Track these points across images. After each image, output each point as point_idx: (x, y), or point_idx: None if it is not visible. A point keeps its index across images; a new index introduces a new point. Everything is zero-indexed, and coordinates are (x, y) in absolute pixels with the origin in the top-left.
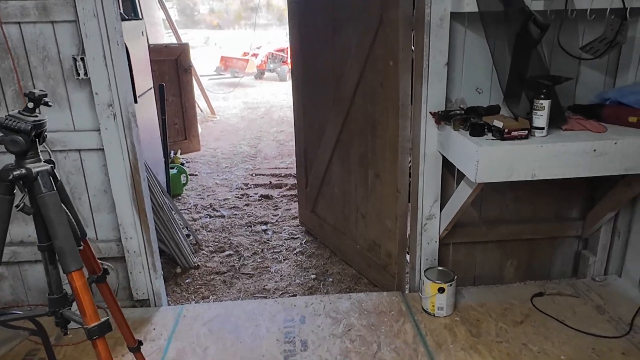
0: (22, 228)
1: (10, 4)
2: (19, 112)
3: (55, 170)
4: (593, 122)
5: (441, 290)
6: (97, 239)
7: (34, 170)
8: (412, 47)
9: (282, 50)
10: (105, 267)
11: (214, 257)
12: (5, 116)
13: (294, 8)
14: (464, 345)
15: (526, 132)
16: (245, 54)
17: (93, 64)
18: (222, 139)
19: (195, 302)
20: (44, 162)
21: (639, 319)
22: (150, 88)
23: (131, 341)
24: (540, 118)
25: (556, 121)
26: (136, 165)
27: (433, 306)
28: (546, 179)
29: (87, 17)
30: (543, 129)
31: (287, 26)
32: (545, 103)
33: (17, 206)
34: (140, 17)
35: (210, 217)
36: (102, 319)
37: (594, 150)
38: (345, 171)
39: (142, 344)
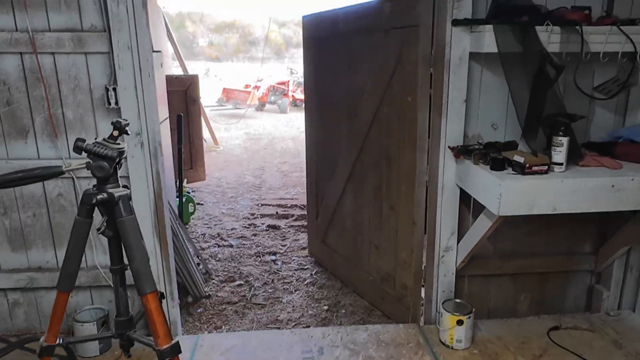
0: (41, 254)
1: (47, 35)
2: (104, 140)
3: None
4: (608, 159)
5: (460, 322)
6: None
7: (115, 195)
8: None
9: (283, 84)
10: (161, 291)
11: (224, 286)
12: (93, 143)
13: (310, 44)
14: None
15: (546, 167)
16: (247, 86)
17: (124, 94)
18: (226, 169)
19: (209, 332)
20: (122, 187)
21: None
22: (167, 118)
23: None
24: (560, 154)
25: (573, 157)
26: (160, 194)
27: (451, 339)
28: (565, 213)
29: (122, 50)
30: (562, 164)
31: (284, 60)
32: (564, 140)
33: (98, 229)
34: (159, 49)
35: (219, 246)
36: (173, 341)
37: (612, 186)
38: (358, 203)
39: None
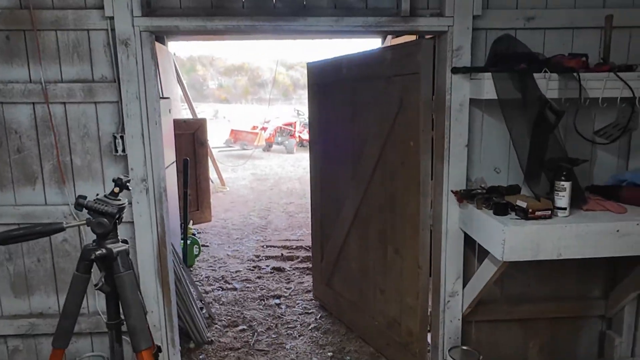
0: (44, 300)
1: (59, 86)
2: (105, 196)
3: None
4: (613, 203)
5: None
6: None
7: (114, 250)
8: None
9: (289, 125)
10: (158, 345)
11: (227, 331)
12: (94, 200)
13: (315, 90)
14: None
15: (549, 212)
16: (254, 127)
17: (131, 142)
18: (232, 209)
19: None
20: (121, 242)
21: None
22: (174, 162)
23: None
24: (563, 199)
25: (577, 202)
26: (163, 238)
27: None
28: (571, 258)
29: (130, 99)
30: (565, 209)
31: (292, 101)
32: (567, 184)
33: (95, 285)
34: (168, 96)
35: (223, 289)
36: None
37: (617, 231)
38: (363, 246)
39: None
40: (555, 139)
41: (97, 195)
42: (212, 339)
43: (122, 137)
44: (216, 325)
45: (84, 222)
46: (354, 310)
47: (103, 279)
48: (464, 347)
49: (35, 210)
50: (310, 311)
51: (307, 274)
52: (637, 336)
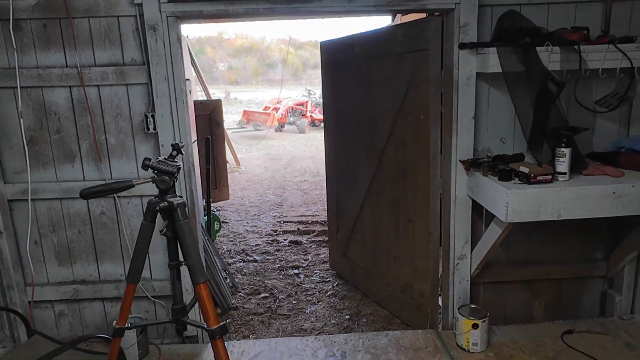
0: (85, 268)
1: (93, 69)
2: (164, 159)
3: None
4: (611, 168)
5: (475, 326)
6: (151, 277)
7: (174, 203)
8: (441, 103)
9: (301, 104)
10: (225, 323)
11: (250, 299)
12: (157, 161)
13: (328, 67)
14: None
15: (550, 177)
16: (266, 108)
17: (161, 120)
18: (248, 188)
19: (237, 341)
20: (178, 197)
21: None
22: (195, 140)
23: None
24: (563, 164)
25: (577, 167)
26: (193, 210)
27: (467, 342)
28: (570, 219)
29: (159, 80)
30: (565, 174)
31: (302, 81)
32: (567, 151)
33: (161, 231)
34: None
35: (244, 261)
36: (221, 322)
37: (614, 193)
38: (376, 216)
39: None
40: (557, 109)
41: (157, 158)
42: (237, 305)
43: (152, 116)
44: (240, 294)
45: (150, 180)
46: (369, 277)
47: (166, 227)
48: (472, 306)
49: (75, 185)
50: (327, 280)
51: (323, 247)
52: (636, 294)
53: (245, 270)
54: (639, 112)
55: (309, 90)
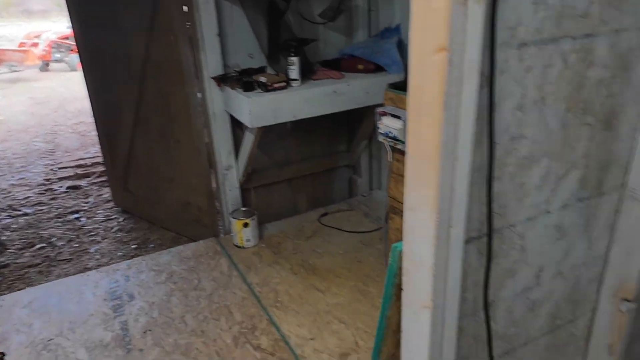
0: None
1: None
2: None
3: None
4: (334, 72)
5: (245, 225)
6: None
7: None
8: (187, 23)
9: (67, 37)
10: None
11: (23, 253)
12: None
13: None
14: (269, 262)
15: (284, 84)
16: (22, 44)
17: None
18: (10, 139)
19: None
20: None
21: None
22: None
23: None
24: (294, 71)
25: (307, 74)
26: None
27: (242, 240)
28: (311, 117)
29: None
30: (297, 80)
31: (66, 10)
32: (295, 59)
33: None
34: None
35: (12, 217)
36: None
37: (334, 92)
38: (148, 144)
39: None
40: (286, 24)
41: None
42: (8, 262)
43: None
44: (10, 250)
45: None
46: (151, 204)
47: None
48: (244, 208)
49: None
50: (112, 217)
51: (105, 187)
52: (372, 175)
53: (14, 226)
54: (357, 24)
55: None
